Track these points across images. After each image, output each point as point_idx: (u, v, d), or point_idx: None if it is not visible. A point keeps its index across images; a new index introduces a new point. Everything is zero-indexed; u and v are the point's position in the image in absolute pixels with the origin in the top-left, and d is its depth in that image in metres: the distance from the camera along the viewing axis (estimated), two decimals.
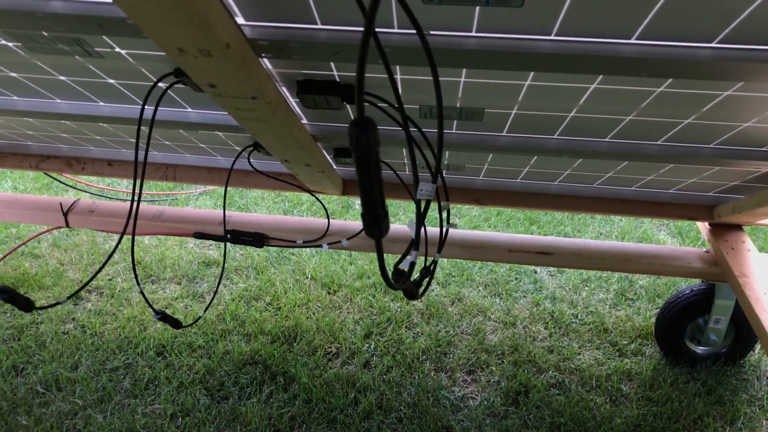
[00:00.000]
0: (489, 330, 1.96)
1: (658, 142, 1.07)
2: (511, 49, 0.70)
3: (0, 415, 1.58)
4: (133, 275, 2.18)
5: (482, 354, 1.83)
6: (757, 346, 1.83)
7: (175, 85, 0.91)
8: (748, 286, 1.45)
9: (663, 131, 1.00)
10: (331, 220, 1.69)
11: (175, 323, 1.35)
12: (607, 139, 1.08)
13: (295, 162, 1.19)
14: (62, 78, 0.99)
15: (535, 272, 2.25)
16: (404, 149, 1.27)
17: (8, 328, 1.88)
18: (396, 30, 0.71)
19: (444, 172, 1.49)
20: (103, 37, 0.78)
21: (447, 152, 1.27)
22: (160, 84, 0.98)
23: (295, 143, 1.02)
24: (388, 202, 2.45)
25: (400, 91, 0.91)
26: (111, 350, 1.80)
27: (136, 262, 2.27)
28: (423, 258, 1.44)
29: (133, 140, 1.44)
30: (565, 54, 0.69)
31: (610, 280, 2.22)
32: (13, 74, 1.00)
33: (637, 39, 0.68)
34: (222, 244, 2.37)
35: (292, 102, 1.01)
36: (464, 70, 0.81)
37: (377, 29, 0.71)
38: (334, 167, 1.51)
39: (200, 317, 1.95)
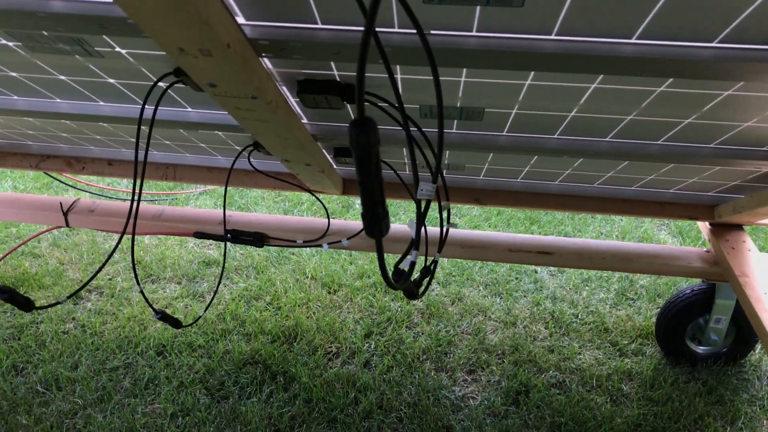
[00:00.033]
0: (489, 330, 1.96)
1: (659, 142, 1.07)
2: (511, 49, 0.70)
3: (0, 414, 1.58)
4: (133, 275, 2.18)
5: (483, 354, 1.83)
6: (758, 346, 1.83)
7: (175, 85, 0.91)
8: (749, 286, 1.45)
9: (663, 131, 1.00)
10: (331, 220, 1.69)
11: (175, 323, 1.35)
12: (607, 139, 1.08)
13: (296, 162, 1.19)
14: (62, 77, 0.99)
15: (536, 272, 2.25)
16: (404, 149, 1.27)
17: (8, 328, 1.88)
18: (396, 29, 0.71)
19: (444, 171, 1.49)
20: (104, 36, 0.78)
21: (447, 152, 1.27)
22: (160, 83, 0.98)
23: (295, 143, 1.02)
24: (389, 201, 2.45)
25: (400, 90, 0.91)
26: (111, 350, 1.80)
27: (136, 262, 2.27)
28: (423, 258, 1.44)
29: (133, 140, 1.44)
30: (566, 54, 0.69)
31: (610, 279, 2.22)
32: (14, 74, 1.00)
33: (637, 39, 0.68)
34: (222, 244, 2.37)
35: (293, 102, 1.01)
36: (465, 69, 0.81)
37: (378, 29, 0.71)
38: (335, 167, 1.51)
39: (200, 317, 1.95)
